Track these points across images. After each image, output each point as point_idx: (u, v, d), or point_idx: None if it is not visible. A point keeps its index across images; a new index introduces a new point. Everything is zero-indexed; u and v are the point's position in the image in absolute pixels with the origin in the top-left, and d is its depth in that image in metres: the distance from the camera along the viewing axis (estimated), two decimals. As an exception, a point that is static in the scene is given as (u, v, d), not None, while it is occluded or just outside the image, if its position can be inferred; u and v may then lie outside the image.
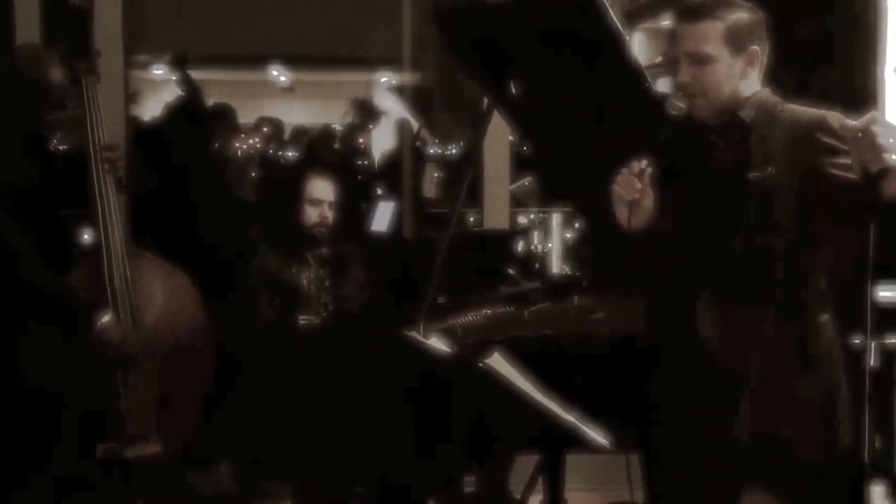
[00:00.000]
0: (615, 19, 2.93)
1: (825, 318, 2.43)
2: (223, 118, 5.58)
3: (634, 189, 2.41)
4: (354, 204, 5.21)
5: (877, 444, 2.94)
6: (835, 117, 2.35)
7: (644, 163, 2.40)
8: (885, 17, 4.31)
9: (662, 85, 6.43)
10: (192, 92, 5.06)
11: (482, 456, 2.79)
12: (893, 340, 3.19)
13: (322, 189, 3.70)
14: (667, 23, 6.59)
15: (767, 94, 2.47)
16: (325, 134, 6.96)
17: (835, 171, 2.27)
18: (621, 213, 2.47)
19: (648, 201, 2.44)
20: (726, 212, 2.42)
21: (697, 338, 2.50)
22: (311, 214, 3.67)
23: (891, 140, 2.05)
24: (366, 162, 6.54)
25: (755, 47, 2.41)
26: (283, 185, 3.99)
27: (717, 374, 2.45)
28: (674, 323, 2.59)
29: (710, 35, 2.37)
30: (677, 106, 2.43)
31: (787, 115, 2.40)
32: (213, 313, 3.41)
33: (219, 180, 4.99)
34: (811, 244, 2.40)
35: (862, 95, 4.29)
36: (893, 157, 2.05)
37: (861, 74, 4.35)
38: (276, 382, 3.44)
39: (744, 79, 2.41)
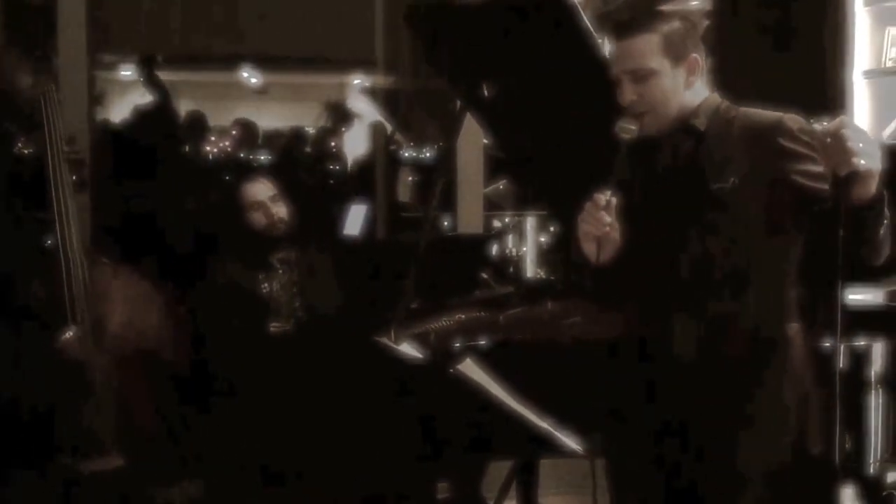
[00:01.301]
0: (587, 21, 2.92)
1: (794, 327, 2.38)
2: (194, 125, 5.52)
3: (603, 223, 2.32)
4: (326, 208, 5.18)
5: (847, 447, 2.93)
6: (792, 119, 2.30)
7: (608, 194, 2.31)
8: (852, 19, 4.33)
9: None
10: (161, 94, 5.00)
11: (455, 462, 2.75)
12: (862, 342, 3.19)
13: (256, 191, 3.62)
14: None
15: (717, 100, 2.42)
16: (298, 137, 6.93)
17: (798, 178, 2.24)
18: (589, 250, 2.37)
19: (616, 233, 2.35)
20: (689, 224, 2.36)
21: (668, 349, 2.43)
22: (258, 218, 3.60)
23: (859, 144, 2.01)
24: (338, 165, 6.49)
25: (694, 55, 2.35)
26: (223, 199, 3.92)
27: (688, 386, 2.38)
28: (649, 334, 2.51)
29: (648, 49, 2.31)
30: (627, 129, 2.35)
31: (742, 119, 2.34)
32: (180, 322, 3.35)
33: (187, 186, 4.93)
34: (777, 253, 2.34)
35: (831, 99, 4.30)
36: (862, 161, 2.02)
37: (829, 78, 4.36)
38: (246, 391, 3.40)
39: (689, 88, 2.35)
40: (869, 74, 4.32)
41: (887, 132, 4.22)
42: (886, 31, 4.29)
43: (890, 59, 4.29)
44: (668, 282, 2.39)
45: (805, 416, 2.36)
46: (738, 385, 2.33)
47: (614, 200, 2.31)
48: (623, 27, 2.37)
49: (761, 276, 2.32)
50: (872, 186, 2.06)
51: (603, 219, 2.30)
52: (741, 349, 2.32)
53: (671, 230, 2.37)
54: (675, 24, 2.34)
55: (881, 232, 2.13)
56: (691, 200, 2.34)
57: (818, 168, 2.19)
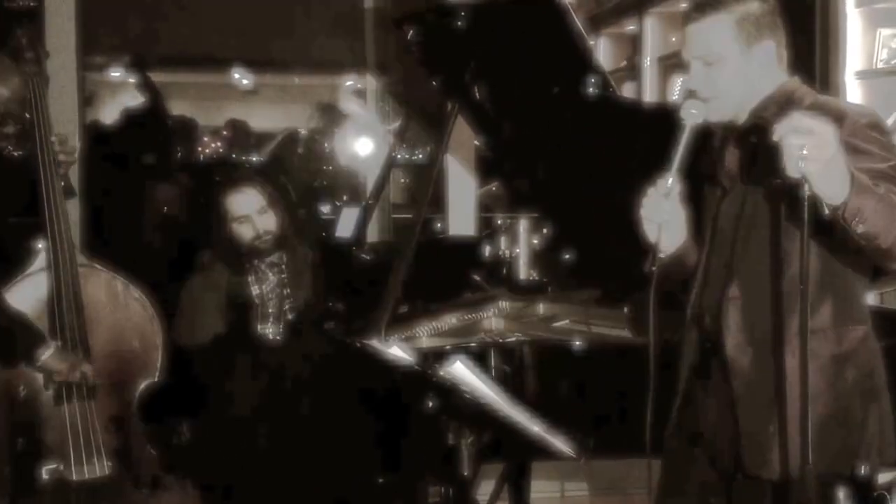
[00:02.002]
0: (579, 24, 2.91)
1: (861, 330, 2.25)
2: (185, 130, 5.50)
3: (663, 211, 2.20)
4: (317, 209, 5.16)
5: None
6: (860, 113, 2.13)
7: (670, 180, 2.17)
8: (843, 21, 4.33)
9: (627, 90, 6.47)
10: (152, 95, 4.98)
11: (447, 466, 2.74)
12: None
13: (242, 203, 3.47)
14: (632, 28, 6.61)
15: (795, 86, 2.24)
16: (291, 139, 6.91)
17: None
18: (651, 236, 2.22)
19: (680, 222, 2.25)
20: (755, 220, 2.22)
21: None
22: (244, 232, 3.46)
23: (803, 150, 1.87)
24: (331, 167, 6.47)
25: (770, 41, 2.20)
26: (208, 209, 3.77)
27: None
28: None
29: (718, 32, 2.17)
30: (692, 113, 2.20)
31: (816, 109, 2.12)
32: (168, 328, 3.32)
33: (176, 189, 4.90)
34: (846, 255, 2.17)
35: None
36: (801, 168, 1.87)
37: (821, 79, 4.36)
38: (234, 395, 3.38)
39: (760, 75, 2.20)
40: (861, 75, 4.32)
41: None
42: (878, 33, 4.28)
43: (881, 61, 4.29)
44: (728, 281, 2.27)
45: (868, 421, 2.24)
46: (791, 391, 2.17)
47: (677, 188, 2.20)
48: (695, 7, 2.22)
49: (828, 277, 2.18)
50: (828, 188, 1.92)
51: (662, 205, 2.20)
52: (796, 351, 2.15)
53: (740, 225, 2.25)
54: (752, 5, 2.19)
55: (859, 231, 1.97)
56: (749, 195, 2.23)
57: (881, 165, 2.06)
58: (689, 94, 2.24)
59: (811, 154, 1.87)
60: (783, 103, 2.19)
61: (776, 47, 2.22)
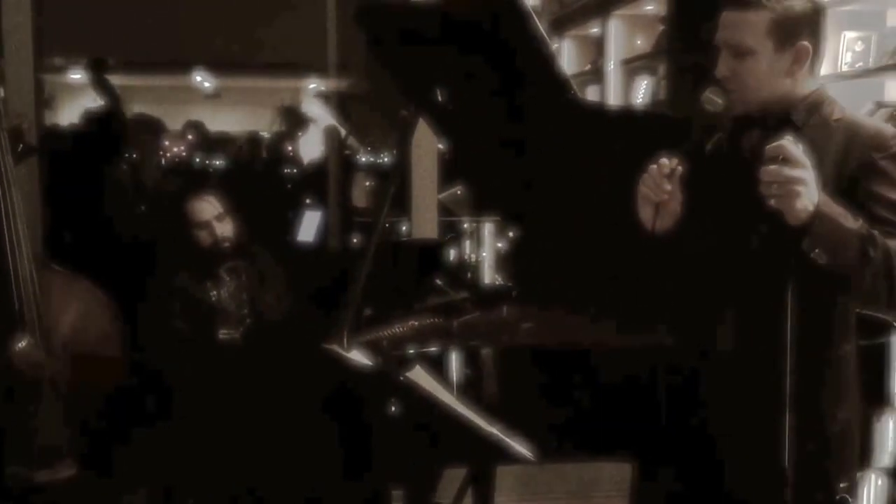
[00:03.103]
0: (540, 26, 2.89)
1: (848, 348, 2.28)
2: (148, 129, 5.44)
3: (663, 190, 2.20)
4: (279, 214, 5.12)
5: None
6: (895, 136, 2.13)
7: (674, 161, 2.18)
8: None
9: (591, 93, 6.48)
10: (111, 98, 4.91)
11: (408, 470, 2.72)
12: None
13: (201, 210, 3.57)
14: (596, 30, 6.61)
15: (825, 97, 2.22)
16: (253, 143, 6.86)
17: (874, 204, 2.07)
18: (646, 215, 2.25)
19: (676, 203, 2.23)
20: (761, 219, 2.18)
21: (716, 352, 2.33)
22: (203, 237, 3.56)
23: (788, 180, 1.93)
24: (294, 170, 6.43)
25: (805, 43, 2.15)
26: (168, 215, 3.86)
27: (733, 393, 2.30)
28: (690, 335, 2.42)
29: (754, 25, 2.13)
30: (713, 101, 2.17)
31: (845, 124, 2.16)
32: (130, 330, 3.29)
33: (136, 192, 4.85)
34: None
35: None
36: (782, 200, 1.94)
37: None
38: (194, 399, 3.34)
39: (790, 77, 2.16)
40: (825, 79, 4.33)
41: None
42: (842, 36, 4.30)
43: (846, 64, 4.30)
44: (720, 280, 2.29)
45: (848, 441, 2.29)
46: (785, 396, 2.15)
47: (680, 169, 2.19)
48: (735, 0, 2.18)
49: (822, 290, 2.16)
50: (798, 217, 1.96)
51: (663, 185, 2.19)
52: (802, 361, 2.14)
53: (739, 220, 2.24)
54: (795, 5, 2.15)
55: (821, 261, 2.00)
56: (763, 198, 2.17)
57: None
58: (717, 81, 2.21)
59: (787, 189, 1.93)
60: (812, 110, 2.19)
61: (811, 52, 2.18)
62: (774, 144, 1.97)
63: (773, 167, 1.95)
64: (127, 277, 3.67)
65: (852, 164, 2.11)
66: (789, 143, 1.96)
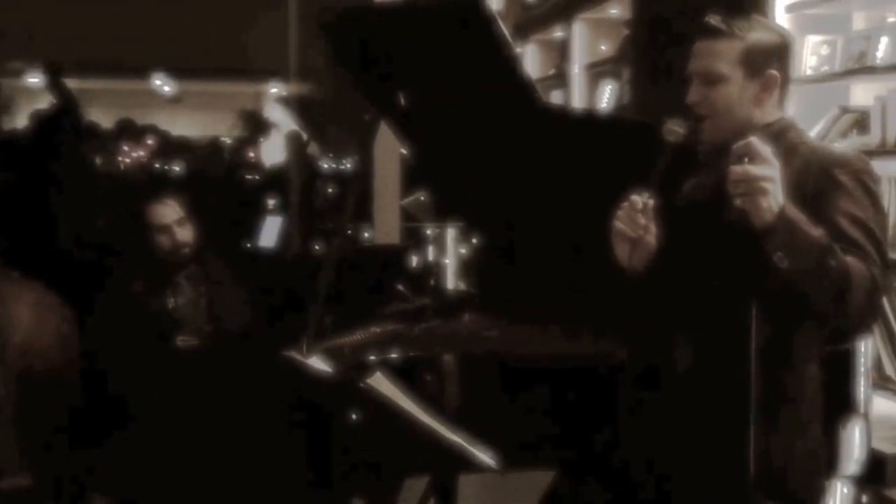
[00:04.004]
0: (504, 30, 2.86)
1: (813, 369, 2.31)
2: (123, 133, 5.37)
3: (638, 226, 2.23)
4: (239, 219, 5.06)
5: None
6: (860, 159, 2.22)
7: (646, 196, 2.21)
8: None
9: (555, 98, 6.46)
10: (67, 102, 4.84)
11: (369, 480, 2.68)
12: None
13: (162, 214, 3.58)
14: (560, 34, 6.59)
15: (790, 125, 2.32)
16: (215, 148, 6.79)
17: (836, 217, 2.12)
18: (622, 252, 2.27)
19: (651, 237, 2.27)
20: (725, 246, 2.24)
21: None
22: (162, 242, 3.56)
23: (753, 179, 1.96)
24: (255, 176, 6.37)
25: (773, 72, 2.25)
26: (128, 218, 3.85)
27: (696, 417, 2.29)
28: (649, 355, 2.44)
29: (726, 54, 2.23)
30: (675, 131, 2.23)
31: (807, 149, 2.24)
32: (85, 338, 3.22)
33: (92, 197, 4.78)
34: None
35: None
36: (747, 199, 1.97)
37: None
38: (151, 407, 3.29)
39: (758, 105, 2.26)
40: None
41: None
42: (806, 39, 4.30)
43: (810, 68, 4.30)
44: (694, 301, 2.29)
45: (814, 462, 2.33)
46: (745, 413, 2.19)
47: (651, 203, 2.22)
48: (710, 28, 2.26)
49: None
50: (761, 217, 1.99)
51: (638, 220, 2.22)
52: (766, 378, 2.19)
53: (706, 249, 2.27)
54: (764, 36, 2.25)
55: (781, 264, 2.02)
56: (732, 222, 2.20)
57: (861, 213, 2.13)
58: (682, 110, 2.26)
59: (753, 186, 1.96)
60: (778, 136, 2.23)
61: (779, 81, 2.27)
62: (742, 143, 2.00)
63: (740, 165, 1.98)
64: (81, 284, 3.61)
65: (814, 180, 2.17)
66: (756, 142, 1.99)
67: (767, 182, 1.97)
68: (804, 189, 2.16)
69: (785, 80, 2.29)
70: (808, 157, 2.21)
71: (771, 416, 2.19)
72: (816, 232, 2.04)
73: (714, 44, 2.25)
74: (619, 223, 2.25)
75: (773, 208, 1.99)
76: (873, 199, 2.18)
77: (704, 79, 2.25)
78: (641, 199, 2.21)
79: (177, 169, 6.63)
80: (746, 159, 1.98)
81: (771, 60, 2.25)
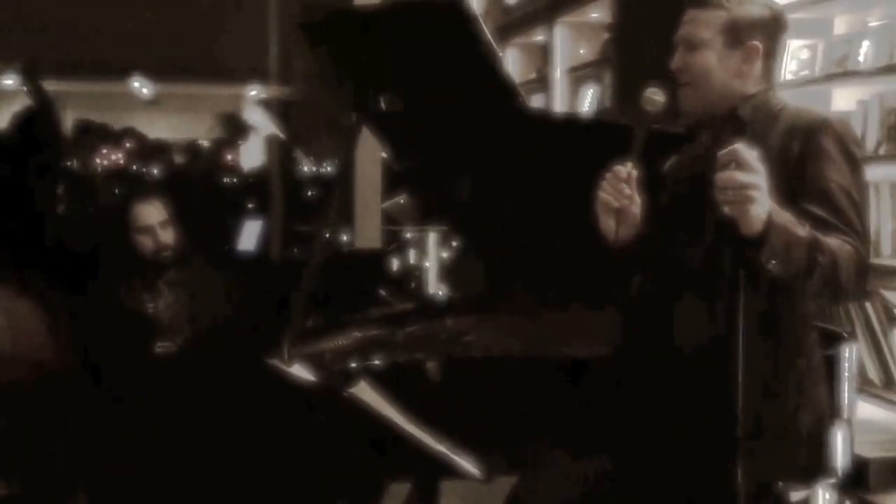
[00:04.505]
0: (487, 33, 2.84)
1: (813, 337, 2.32)
2: (87, 134, 5.32)
3: (623, 195, 2.22)
4: (219, 222, 5.02)
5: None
6: (840, 122, 2.23)
7: (629, 165, 2.21)
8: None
9: (536, 101, 6.44)
10: (44, 103, 4.78)
11: (351, 488, 2.65)
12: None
13: (147, 214, 3.53)
14: (541, 38, 6.58)
15: (772, 94, 2.31)
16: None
17: (818, 183, 2.13)
18: (607, 224, 2.26)
19: (636, 208, 2.26)
20: (709, 216, 2.22)
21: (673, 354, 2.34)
22: (145, 243, 3.51)
23: (741, 186, 1.94)
24: (234, 179, 6.31)
25: (756, 43, 2.25)
26: (110, 219, 3.81)
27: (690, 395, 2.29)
28: (648, 336, 2.44)
29: (709, 21, 2.25)
30: (653, 100, 2.21)
31: (788, 113, 2.25)
32: (63, 343, 3.17)
33: (70, 198, 4.73)
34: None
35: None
36: (735, 206, 1.95)
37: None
38: (129, 414, 3.23)
39: (739, 76, 2.26)
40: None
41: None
42: (788, 44, 4.29)
43: (790, 72, 4.30)
44: (681, 275, 2.30)
45: (820, 438, 2.33)
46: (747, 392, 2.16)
47: (635, 173, 2.21)
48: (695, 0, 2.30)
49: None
50: (751, 225, 1.97)
51: (623, 190, 2.21)
52: (759, 357, 2.18)
53: (692, 219, 2.28)
54: (752, 9, 2.26)
55: (773, 271, 2.02)
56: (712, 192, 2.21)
57: (842, 179, 2.14)
58: (661, 79, 2.25)
59: (740, 194, 1.94)
60: (758, 106, 2.26)
61: (762, 54, 2.27)
62: (727, 150, 1.98)
63: (726, 173, 1.96)
64: (59, 287, 3.56)
65: (796, 147, 2.18)
66: (742, 149, 1.97)
67: (754, 189, 1.95)
68: (788, 154, 2.18)
69: (769, 54, 2.28)
70: (791, 121, 2.22)
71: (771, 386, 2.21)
72: (803, 231, 2.03)
73: (700, 12, 2.27)
74: (603, 193, 2.24)
75: (762, 216, 1.97)
76: (854, 163, 2.18)
77: (687, 45, 2.27)
78: (625, 169, 2.20)
79: (155, 171, 6.58)
80: (732, 165, 1.96)
81: (754, 32, 2.25)
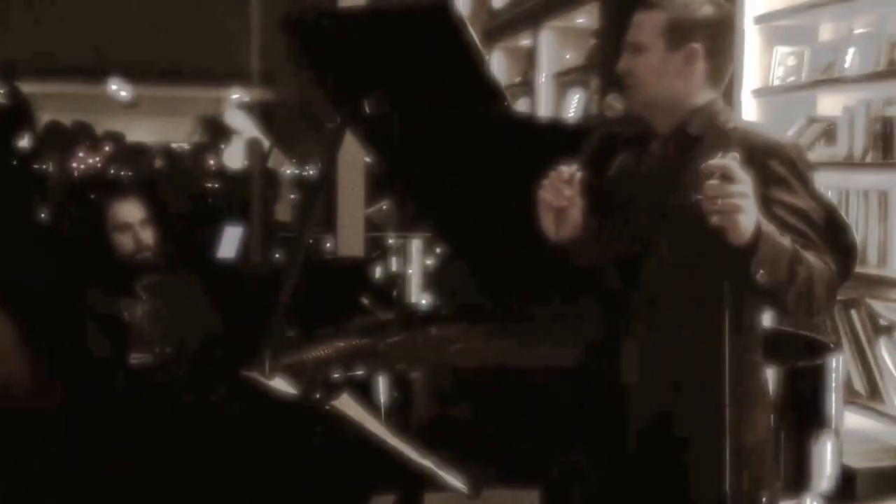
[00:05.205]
0: (473, 36, 2.80)
1: (757, 358, 2.30)
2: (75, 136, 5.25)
3: (563, 196, 2.24)
4: (198, 228, 4.96)
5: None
6: (794, 147, 2.22)
7: (574, 167, 2.23)
8: (742, 38, 4.33)
9: (522, 105, 6.41)
10: (19, 105, 4.71)
11: (336, 499, 2.59)
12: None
13: (125, 212, 3.44)
14: (527, 42, 6.55)
15: (721, 107, 2.30)
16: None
17: (779, 210, 2.12)
18: (547, 222, 2.29)
19: (577, 210, 2.27)
20: (657, 229, 2.27)
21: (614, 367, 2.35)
22: (124, 242, 3.41)
23: (729, 197, 1.94)
24: (216, 184, 6.24)
25: (696, 45, 2.22)
26: (86, 217, 3.71)
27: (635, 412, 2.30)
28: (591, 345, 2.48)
29: (651, 23, 2.25)
30: (613, 106, 2.27)
31: (739, 133, 2.22)
32: (34, 355, 3.10)
33: (46, 199, 4.66)
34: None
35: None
36: (723, 218, 1.95)
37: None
38: (104, 428, 3.16)
39: (681, 78, 2.24)
40: (758, 93, 4.32)
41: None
42: (775, 50, 4.30)
43: (777, 78, 4.30)
44: (625, 287, 2.31)
45: (764, 454, 2.29)
46: (687, 410, 2.23)
47: (579, 175, 2.23)
48: (643, 2, 2.30)
49: (724, 299, 2.18)
50: (739, 236, 1.98)
51: (563, 190, 2.23)
52: (693, 371, 2.22)
53: (635, 232, 2.30)
54: (692, 10, 2.24)
55: (760, 280, 2.03)
56: (663, 205, 2.25)
57: (802, 203, 2.15)
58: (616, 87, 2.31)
59: (729, 203, 1.95)
60: (707, 122, 2.25)
61: (703, 58, 2.24)
62: (715, 161, 1.97)
63: (713, 182, 1.95)
64: (30, 291, 3.48)
65: (749, 171, 2.12)
66: (727, 161, 1.97)
67: (743, 199, 1.96)
68: None
69: (711, 56, 2.25)
70: (741, 144, 2.17)
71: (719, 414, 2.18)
72: (786, 241, 2.05)
73: (644, 14, 2.28)
74: (543, 192, 2.26)
75: (750, 225, 1.98)
76: (808, 185, 2.19)
77: (632, 48, 2.28)
78: (568, 170, 2.23)
79: (133, 175, 6.51)
80: (717, 176, 1.95)
81: (694, 33, 2.22)
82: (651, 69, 2.25)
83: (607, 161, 2.38)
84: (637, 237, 2.30)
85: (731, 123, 2.25)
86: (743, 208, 1.95)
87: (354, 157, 4.22)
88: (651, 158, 2.31)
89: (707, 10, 2.25)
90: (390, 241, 4.02)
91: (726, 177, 1.95)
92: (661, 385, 2.26)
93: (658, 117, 2.29)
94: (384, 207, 4.49)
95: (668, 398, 2.25)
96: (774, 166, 2.14)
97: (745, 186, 1.96)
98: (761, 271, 2.01)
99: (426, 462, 2.30)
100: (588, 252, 2.38)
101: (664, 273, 2.25)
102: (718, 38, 2.26)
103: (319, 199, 3.31)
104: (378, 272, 3.82)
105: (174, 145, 6.82)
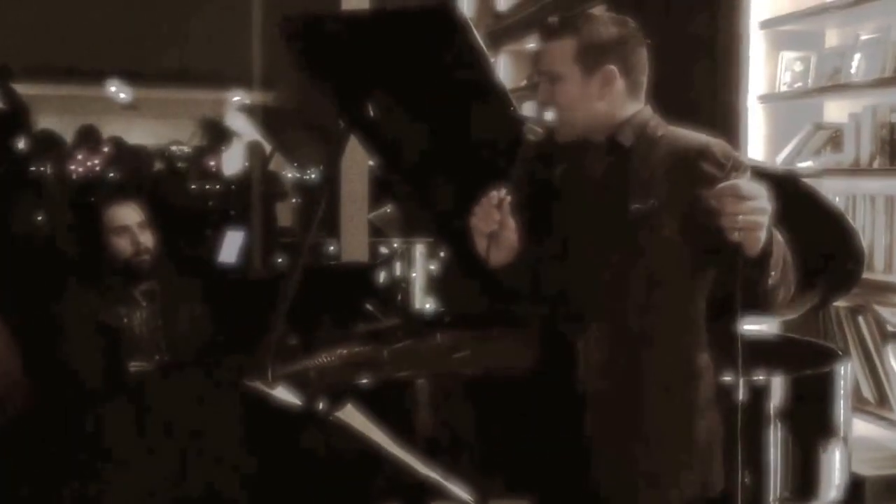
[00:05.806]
0: (480, 40, 2.77)
1: (704, 359, 2.33)
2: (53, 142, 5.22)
3: (493, 220, 2.29)
4: (198, 233, 4.93)
5: (746, 483, 2.85)
6: (719, 145, 2.26)
7: (503, 192, 2.27)
8: (747, 44, 4.31)
9: (527, 109, 6.38)
10: (16, 107, 4.68)
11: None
12: (760, 376, 3.11)
13: (123, 214, 3.39)
14: (532, 45, 6.52)
15: (649, 115, 2.34)
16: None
17: (713, 207, 2.16)
18: (481, 247, 2.34)
19: (509, 232, 2.32)
20: (601, 241, 2.30)
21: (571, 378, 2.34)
22: (122, 245, 3.36)
23: (746, 210, 2.00)
24: (217, 187, 6.20)
25: (611, 66, 2.27)
26: (83, 219, 3.67)
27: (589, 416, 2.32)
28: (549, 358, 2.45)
29: (562, 53, 2.29)
30: (534, 130, 2.34)
31: (668, 139, 2.28)
32: (29, 363, 3.06)
33: (42, 205, 4.62)
34: (689, 282, 2.29)
35: (726, 124, 4.27)
36: (742, 232, 2.01)
37: (724, 102, 4.32)
38: (101, 438, 3.12)
39: (602, 99, 2.28)
40: (764, 99, 4.29)
41: (781, 157, 4.19)
42: (780, 56, 4.28)
43: (784, 84, 4.28)
44: (574, 299, 2.33)
45: (711, 453, 2.31)
46: (646, 416, 2.27)
47: (508, 199, 2.27)
48: (547, 29, 2.34)
49: (672, 303, 2.28)
50: (756, 247, 2.04)
51: (493, 215, 2.27)
52: (649, 379, 2.27)
53: (577, 246, 2.33)
54: (599, 32, 2.28)
55: (769, 283, 2.12)
56: (605, 217, 2.29)
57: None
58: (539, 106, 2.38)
59: (750, 220, 2.00)
60: (638, 131, 2.30)
61: (621, 75, 2.30)
62: (727, 185, 2.04)
63: (738, 203, 2.01)
64: (26, 297, 3.45)
65: (682, 175, 2.22)
66: (743, 182, 2.04)
67: (762, 215, 2.03)
68: (673, 179, 2.22)
69: (627, 73, 2.30)
70: (672, 147, 2.25)
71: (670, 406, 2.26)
72: (781, 238, 2.12)
73: (551, 44, 2.31)
74: (474, 218, 2.31)
75: (764, 237, 2.04)
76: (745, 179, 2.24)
77: (548, 78, 2.31)
78: (497, 195, 2.26)
79: (132, 177, 6.47)
80: (740, 196, 2.01)
81: (607, 55, 2.27)
82: (571, 97, 2.29)
83: (545, 177, 2.42)
84: (580, 246, 2.33)
85: (660, 130, 2.30)
86: (763, 224, 2.02)
87: (358, 161, 4.20)
88: (588, 168, 2.34)
89: (613, 31, 2.29)
90: (394, 245, 3.99)
91: (743, 196, 2.00)
92: (617, 392, 2.28)
93: (588, 134, 2.33)
94: (388, 211, 4.47)
95: (626, 405, 2.27)
96: (705, 167, 2.19)
97: (763, 202, 2.02)
98: (773, 273, 2.08)
99: (431, 473, 2.28)
100: (525, 273, 2.41)
101: (610, 280, 2.27)
102: (631, 54, 2.31)
103: (322, 203, 3.28)
104: (382, 278, 3.78)
105: (174, 148, 6.77)
